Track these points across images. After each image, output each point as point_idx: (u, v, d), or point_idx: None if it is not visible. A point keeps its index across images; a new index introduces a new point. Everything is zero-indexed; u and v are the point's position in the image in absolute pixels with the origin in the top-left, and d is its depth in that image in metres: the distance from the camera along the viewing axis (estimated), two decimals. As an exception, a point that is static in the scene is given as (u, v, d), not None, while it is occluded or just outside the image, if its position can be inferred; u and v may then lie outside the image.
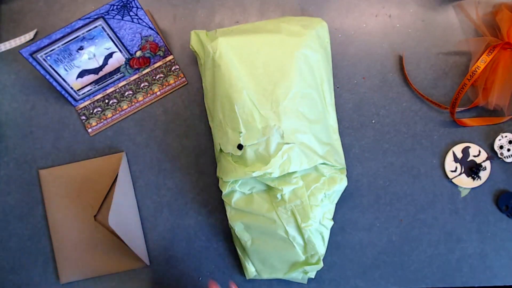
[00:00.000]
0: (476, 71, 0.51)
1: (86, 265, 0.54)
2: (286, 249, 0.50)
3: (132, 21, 0.53)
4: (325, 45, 0.52)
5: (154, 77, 0.57)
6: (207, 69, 0.49)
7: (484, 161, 0.56)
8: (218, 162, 0.52)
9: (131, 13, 0.52)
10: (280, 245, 0.49)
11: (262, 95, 0.47)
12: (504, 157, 0.55)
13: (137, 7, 0.52)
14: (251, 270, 0.52)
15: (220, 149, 0.49)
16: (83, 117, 0.56)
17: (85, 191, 0.55)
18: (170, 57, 0.57)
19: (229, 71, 0.47)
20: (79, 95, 0.56)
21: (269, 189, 0.49)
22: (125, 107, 0.56)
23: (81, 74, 0.54)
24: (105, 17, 0.51)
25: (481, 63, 0.51)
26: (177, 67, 0.57)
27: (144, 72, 0.57)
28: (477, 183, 0.55)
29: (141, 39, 0.55)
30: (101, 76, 0.55)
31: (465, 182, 0.56)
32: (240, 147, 0.47)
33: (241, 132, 0.47)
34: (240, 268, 0.55)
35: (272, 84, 0.47)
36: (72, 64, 0.53)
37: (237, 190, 0.49)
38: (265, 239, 0.50)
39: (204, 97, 0.53)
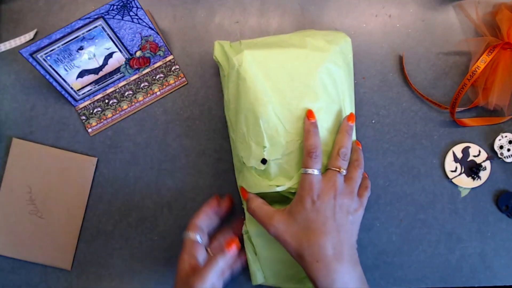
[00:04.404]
0: (476, 71, 0.51)
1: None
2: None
3: (132, 21, 0.53)
4: (348, 60, 0.52)
5: (154, 77, 0.57)
6: (230, 81, 0.49)
7: (484, 161, 0.56)
8: (238, 172, 0.52)
9: (131, 13, 0.52)
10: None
11: (288, 110, 0.47)
12: (504, 157, 0.55)
13: (137, 7, 0.52)
14: (259, 277, 0.52)
15: (242, 162, 0.49)
16: (83, 117, 0.56)
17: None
18: (170, 57, 0.57)
19: (255, 85, 0.46)
20: (79, 95, 0.56)
21: (289, 200, 0.49)
22: (125, 107, 0.56)
23: (81, 74, 0.54)
24: (105, 17, 0.51)
25: (481, 63, 0.51)
26: (177, 67, 0.57)
27: (144, 72, 0.57)
28: (477, 183, 0.55)
29: (141, 39, 0.55)
30: (101, 76, 0.55)
31: (465, 182, 0.56)
32: (264, 161, 0.47)
33: (265, 147, 0.46)
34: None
35: (297, 99, 0.47)
36: (72, 64, 0.53)
37: None
38: (279, 248, 0.49)
39: (225, 108, 0.52)
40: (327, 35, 0.51)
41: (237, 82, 0.47)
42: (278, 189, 0.46)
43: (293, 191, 0.47)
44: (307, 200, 0.44)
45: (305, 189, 0.44)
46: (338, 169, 0.45)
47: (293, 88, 0.47)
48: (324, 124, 0.48)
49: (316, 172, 0.44)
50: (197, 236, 0.48)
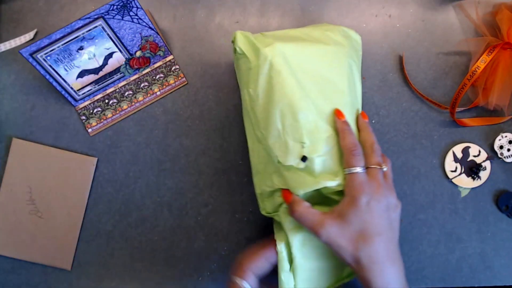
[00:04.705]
0: (476, 71, 0.51)
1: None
2: (338, 265, 0.47)
3: (132, 21, 0.53)
4: (359, 57, 0.51)
5: (154, 77, 0.57)
6: (261, 74, 0.45)
7: (484, 161, 0.56)
8: (268, 175, 0.47)
9: (131, 13, 0.52)
10: (334, 261, 0.47)
11: (324, 104, 0.45)
12: (504, 157, 0.55)
13: (137, 7, 0.52)
14: (289, 286, 0.47)
15: (278, 161, 0.45)
16: (83, 117, 0.56)
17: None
18: (170, 57, 0.57)
19: (291, 78, 0.44)
20: (79, 95, 0.56)
21: (332, 203, 0.46)
22: (125, 107, 0.56)
23: (81, 74, 0.54)
24: (105, 17, 0.51)
25: (481, 63, 0.51)
26: (177, 67, 0.57)
27: (144, 72, 0.57)
28: (477, 183, 0.55)
29: (141, 39, 0.55)
30: (101, 76, 0.55)
31: (465, 182, 0.56)
32: (304, 159, 0.44)
33: (304, 143, 0.44)
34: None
35: (329, 94, 0.45)
36: (72, 64, 0.53)
37: None
38: (318, 253, 0.47)
39: (251, 104, 0.47)
40: (342, 30, 0.50)
41: (270, 75, 0.44)
42: (329, 184, 0.43)
43: (340, 188, 0.44)
44: (360, 201, 0.41)
45: (356, 189, 0.42)
46: (379, 166, 0.44)
47: (324, 82, 0.45)
48: (351, 117, 0.46)
49: (361, 169, 0.43)
50: (244, 284, 0.44)
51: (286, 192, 0.45)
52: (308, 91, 0.44)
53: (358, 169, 0.43)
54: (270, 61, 0.44)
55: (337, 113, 0.45)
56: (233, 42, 0.48)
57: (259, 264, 0.45)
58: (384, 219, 0.42)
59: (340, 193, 0.44)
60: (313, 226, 0.42)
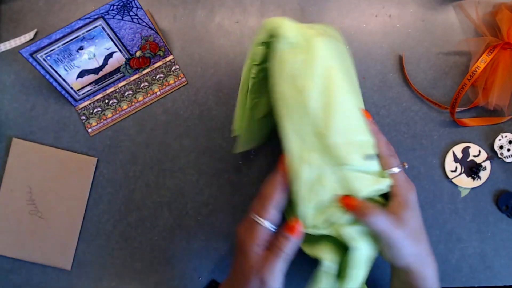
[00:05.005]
0: (476, 71, 0.51)
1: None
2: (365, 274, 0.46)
3: (132, 21, 0.53)
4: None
5: (154, 77, 0.57)
6: (315, 67, 0.40)
7: (484, 161, 0.56)
8: (332, 181, 0.41)
9: (131, 13, 0.52)
10: (366, 270, 0.45)
11: (359, 102, 0.44)
12: (504, 157, 0.55)
13: (137, 7, 0.52)
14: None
15: (341, 162, 0.40)
16: (83, 117, 0.56)
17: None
18: (170, 57, 0.57)
19: (343, 74, 0.41)
20: (79, 95, 0.56)
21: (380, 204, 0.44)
22: (125, 107, 0.56)
23: (81, 74, 0.54)
24: (105, 17, 0.51)
25: (481, 63, 0.51)
26: (177, 67, 0.57)
27: (144, 72, 0.57)
28: (477, 183, 0.55)
29: (141, 39, 0.55)
30: (101, 76, 0.55)
31: (465, 182, 0.56)
32: (368, 157, 0.41)
33: (368, 141, 0.41)
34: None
35: (355, 90, 0.45)
36: (72, 64, 0.53)
37: None
38: (365, 263, 0.44)
39: (303, 100, 0.40)
40: (331, 28, 0.49)
41: (326, 68, 0.40)
42: (386, 183, 0.41)
43: (386, 190, 0.42)
44: (410, 200, 0.42)
45: (404, 189, 0.42)
46: (403, 165, 0.45)
47: (350, 79, 0.44)
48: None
49: (399, 169, 0.42)
50: (269, 224, 0.40)
51: (347, 198, 0.41)
52: (353, 88, 0.44)
53: (398, 169, 0.43)
54: (323, 54, 0.40)
55: (366, 113, 0.44)
56: (269, 29, 0.40)
57: (278, 197, 0.40)
58: (420, 215, 0.44)
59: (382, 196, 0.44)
60: (387, 229, 0.40)
